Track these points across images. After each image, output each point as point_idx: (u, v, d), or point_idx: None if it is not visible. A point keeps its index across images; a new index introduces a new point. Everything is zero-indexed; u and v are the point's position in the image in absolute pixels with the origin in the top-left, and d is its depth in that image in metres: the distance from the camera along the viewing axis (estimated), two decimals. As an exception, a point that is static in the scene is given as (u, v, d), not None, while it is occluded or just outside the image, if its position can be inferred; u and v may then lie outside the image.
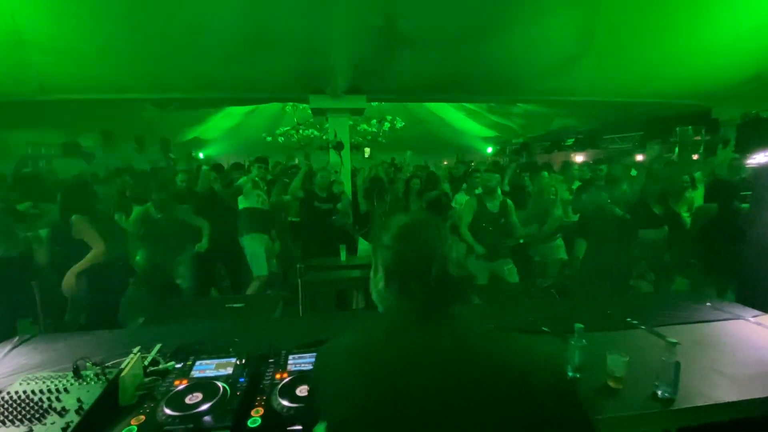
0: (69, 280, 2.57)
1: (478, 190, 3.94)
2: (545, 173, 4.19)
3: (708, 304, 2.10)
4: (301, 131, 9.27)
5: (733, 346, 1.63)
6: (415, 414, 0.66)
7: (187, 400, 1.16)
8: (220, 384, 1.23)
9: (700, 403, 1.26)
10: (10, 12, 3.22)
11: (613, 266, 3.78)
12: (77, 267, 2.60)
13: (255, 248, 3.93)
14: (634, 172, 4.79)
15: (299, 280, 3.05)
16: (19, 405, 1.17)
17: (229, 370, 1.32)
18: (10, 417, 1.13)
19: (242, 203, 4.03)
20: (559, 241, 4.08)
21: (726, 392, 1.31)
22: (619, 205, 3.86)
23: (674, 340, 1.31)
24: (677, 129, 6.75)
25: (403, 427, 0.66)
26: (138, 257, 3.63)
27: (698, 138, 6.57)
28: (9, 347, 1.73)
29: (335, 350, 0.80)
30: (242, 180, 4.08)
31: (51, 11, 3.32)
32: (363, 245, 4.10)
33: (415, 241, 0.79)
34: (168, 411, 1.11)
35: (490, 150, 12.51)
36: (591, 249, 4.03)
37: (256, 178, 4.07)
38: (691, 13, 3.73)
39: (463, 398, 0.66)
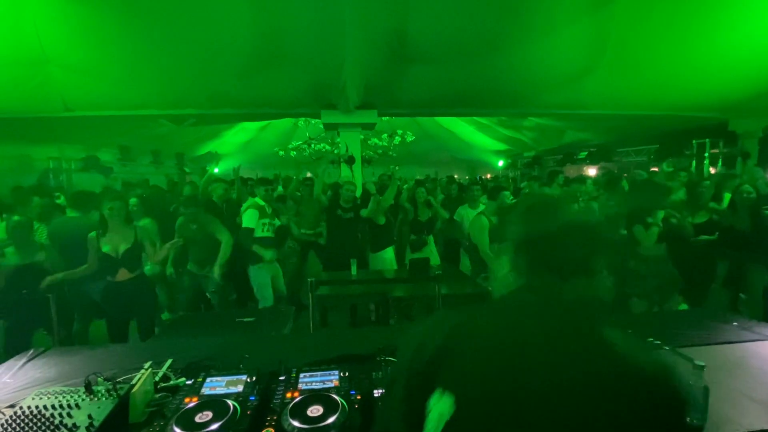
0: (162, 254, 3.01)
1: (481, 207, 3.84)
2: (561, 177, 3.99)
3: (734, 323, 2.01)
4: (313, 146, 9.40)
5: (763, 368, 1.55)
6: (530, 396, 0.63)
7: (197, 419, 1.14)
8: (230, 402, 1.21)
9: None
10: (36, 33, 3.37)
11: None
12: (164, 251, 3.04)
13: (261, 278, 3.70)
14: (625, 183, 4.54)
15: (310, 295, 3.03)
16: (31, 420, 1.17)
17: (240, 388, 1.30)
18: (22, 433, 1.13)
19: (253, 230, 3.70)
20: None
21: (758, 419, 1.23)
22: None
23: (701, 363, 1.25)
24: (693, 142, 6.64)
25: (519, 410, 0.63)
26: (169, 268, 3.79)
27: (716, 151, 6.44)
28: (24, 360, 1.74)
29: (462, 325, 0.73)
30: (245, 210, 3.73)
31: (75, 32, 3.47)
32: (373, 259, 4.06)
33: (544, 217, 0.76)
34: (178, 430, 1.10)
35: (501, 163, 12.46)
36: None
37: (261, 202, 3.78)
38: (706, 25, 3.69)
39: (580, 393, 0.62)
